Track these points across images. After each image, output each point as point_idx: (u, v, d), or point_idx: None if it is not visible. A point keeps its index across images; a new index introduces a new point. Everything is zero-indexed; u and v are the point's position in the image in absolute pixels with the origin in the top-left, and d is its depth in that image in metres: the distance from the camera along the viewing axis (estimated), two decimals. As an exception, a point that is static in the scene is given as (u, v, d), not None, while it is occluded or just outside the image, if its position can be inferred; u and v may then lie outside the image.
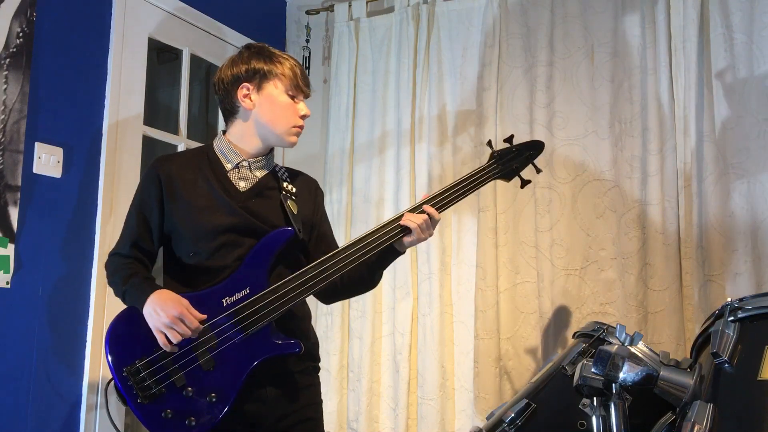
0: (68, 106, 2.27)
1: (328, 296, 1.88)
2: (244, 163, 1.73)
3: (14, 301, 2.07)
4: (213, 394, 1.55)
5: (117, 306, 2.36)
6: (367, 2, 3.06)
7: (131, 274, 1.65)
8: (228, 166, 1.72)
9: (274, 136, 1.73)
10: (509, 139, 1.95)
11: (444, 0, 2.88)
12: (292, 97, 1.73)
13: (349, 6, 3.08)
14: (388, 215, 2.85)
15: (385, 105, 2.95)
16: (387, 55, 2.98)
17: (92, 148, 2.35)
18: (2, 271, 2.04)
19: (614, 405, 1.38)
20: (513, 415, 1.71)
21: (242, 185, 1.71)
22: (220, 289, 1.61)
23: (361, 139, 2.98)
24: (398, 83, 2.91)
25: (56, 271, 2.20)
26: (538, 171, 1.98)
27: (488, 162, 1.90)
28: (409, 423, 2.71)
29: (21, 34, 2.11)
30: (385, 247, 1.72)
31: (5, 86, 2.06)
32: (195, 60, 2.86)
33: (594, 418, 1.45)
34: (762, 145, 2.29)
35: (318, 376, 1.80)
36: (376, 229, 1.72)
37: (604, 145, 2.53)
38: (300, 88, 1.73)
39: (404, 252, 1.78)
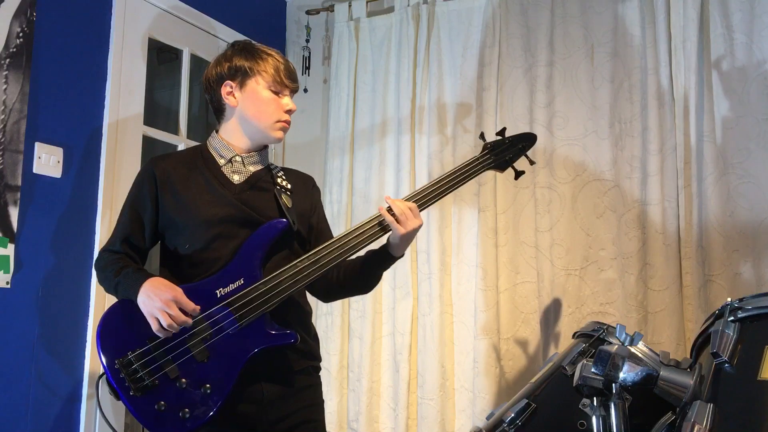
0: (68, 106, 2.27)
1: (325, 294, 1.87)
2: (237, 158, 1.74)
3: (14, 301, 2.07)
4: (207, 386, 1.53)
5: (117, 306, 2.36)
6: (367, 2, 3.06)
7: (123, 266, 1.64)
8: (221, 162, 1.74)
9: (258, 131, 1.74)
10: (501, 132, 1.97)
11: (444, 0, 2.88)
12: (276, 93, 1.73)
13: (349, 6, 3.08)
14: (388, 215, 2.85)
15: (385, 105, 2.95)
16: (387, 55, 2.98)
17: (92, 148, 2.35)
18: (2, 271, 2.04)
19: (614, 405, 1.38)
20: (513, 415, 1.71)
21: (236, 178, 1.72)
22: (213, 280, 1.61)
23: (361, 139, 2.98)
24: (398, 83, 2.91)
25: (56, 271, 2.20)
26: (532, 163, 2.00)
27: (481, 153, 1.91)
28: (409, 423, 2.71)
29: (21, 34, 2.11)
30: (380, 252, 1.74)
31: (5, 86, 2.06)
32: (195, 60, 2.86)
33: (594, 418, 1.45)
34: (762, 145, 2.29)
35: (319, 377, 1.78)
36: (370, 219, 1.72)
37: (604, 145, 2.53)
38: (283, 83, 1.73)
39: (400, 255, 1.75)
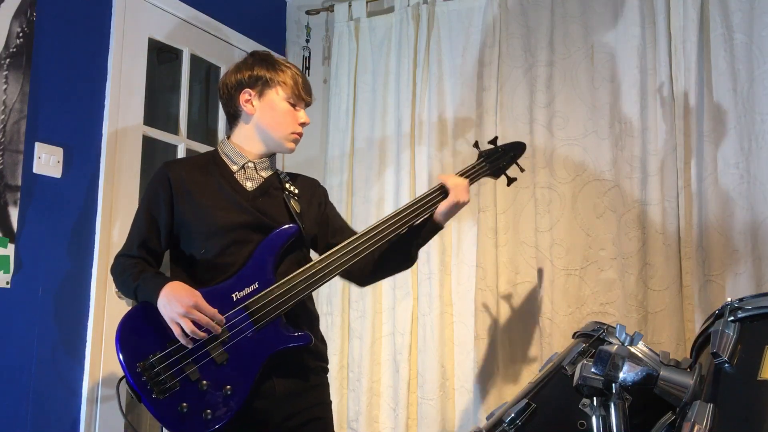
0: (68, 106, 2.27)
1: (362, 276, 1.90)
2: (250, 164, 1.79)
3: (14, 301, 2.07)
4: (228, 387, 1.58)
5: (117, 306, 2.36)
6: (367, 2, 3.06)
7: (141, 270, 1.68)
8: (234, 168, 1.78)
9: (273, 141, 1.80)
10: (494, 141, 2.07)
11: (444, 0, 2.88)
12: (293, 105, 1.79)
13: (349, 6, 3.08)
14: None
15: (385, 105, 2.95)
16: (387, 55, 2.98)
17: (92, 148, 2.35)
18: (2, 271, 2.04)
19: (614, 405, 1.38)
20: (513, 415, 1.71)
21: (249, 185, 1.77)
22: (229, 284, 1.65)
23: (361, 139, 2.98)
24: (398, 83, 2.91)
25: (56, 271, 2.20)
26: (522, 170, 2.18)
27: (477, 161, 2.01)
28: (409, 423, 2.71)
29: (21, 34, 2.11)
30: (424, 223, 1.82)
31: (5, 86, 2.06)
32: (195, 60, 2.85)
33: (594, 418, 1.45)
34: (762, 145, 2.29)
35: (326, 377, 1.82)
36: (389, 218, 1.78)
37: (604, 145, 2.53)
38: (301, 96, 1.80)
39: (443, 226, 1.85)
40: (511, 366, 2.57)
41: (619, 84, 2.54)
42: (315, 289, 1.69)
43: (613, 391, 1.37)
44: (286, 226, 1.71)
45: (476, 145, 2.05)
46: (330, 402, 1.81)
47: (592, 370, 1.37)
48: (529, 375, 2.49)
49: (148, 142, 2.59)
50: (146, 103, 2.56)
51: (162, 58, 3.00)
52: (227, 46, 2.98)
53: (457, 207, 1.82)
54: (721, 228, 2.30)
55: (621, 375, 1.35)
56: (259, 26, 3.16)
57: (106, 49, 2.42)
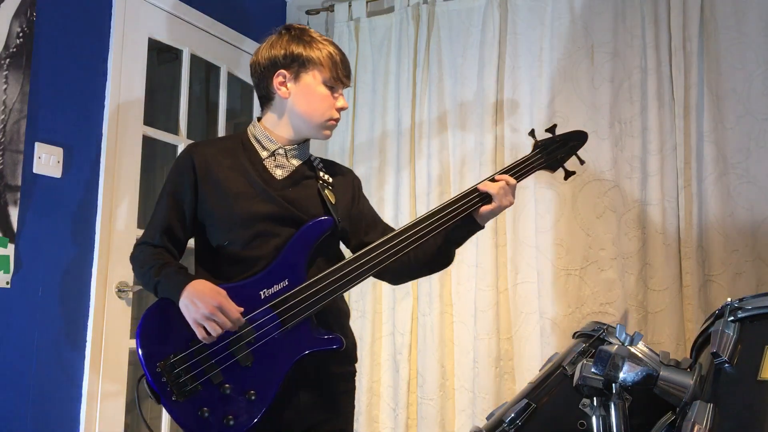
0: (68, 106, 2.27)
1: (398, 276, 1.80)
2: (280, 151, 1.66)
3: (14, 301, 2.07)
4: (252, 392, 1.48)
5: (117, 305, 2.37)
6: (367, 2, 3.06)
7: (163, 264, 1.56)
8: (264, 154, 1.65)
9: (308, 127, 1.67)
10: (551, 129, 1.85)
11: (444, 0, 2.88)
12: (331, 88, 1.65)
13: (349, 6, 3.08)
14: (388, 215, 2.85)
15: (385, 105, 2.95)
16: (387, 55, 2.98)
17: (92, 148, 2.35)
18: (2, 271, 2.04)
19: (614, 405, 1.38)
20: (513, 415, 1.71)
21: (279, 173, 1.64)
22: (257, 280, 1.53)
23: (362, 139, 2.98)
24: (398, 83, 2.91)
25: (56, 271, 2.20)
26: (582, 162, 1.90)
27: (532, 152, 1.79)
28: (409, 423, 2.71)
29: (21, 34, 2.11)
30: (462, 221, 1.66)
31: (5, 86, 2.06)
32: (195, 60, 2.85)
33: (594, 418, 1.45)
34: (762, 145, 2.29)
35: (354, 381, 1.71)
36: (427, 216, 1.63)
37: (604, 145, 2.53)
38: (339, 79, 1.65)
39: (484, 226, 1.71)
40: (511, 366, 2.57)
41: (619, 84, 2.54)
42: (348, 289, 1.57)
43: (613, 391, 1.37)
44: (322, 218, 1.58)
45: (532, 133, 1.82)
46: (353, 409, 1.69)
47: (592, 370, 1.37)
48: (529, 375, 2.48)
49: (148, 142, 2.59)
50: (146, 103, 2.56)
51: (162, 58, 3.01)
52: (227, 46, 2.98)
53: (501, 210, 1.67)
54: (721, 228, 2.30)
55: (621, 375, 1.35)
56: (259, 26, 3.16)
57: (106, 49, 2.42)
